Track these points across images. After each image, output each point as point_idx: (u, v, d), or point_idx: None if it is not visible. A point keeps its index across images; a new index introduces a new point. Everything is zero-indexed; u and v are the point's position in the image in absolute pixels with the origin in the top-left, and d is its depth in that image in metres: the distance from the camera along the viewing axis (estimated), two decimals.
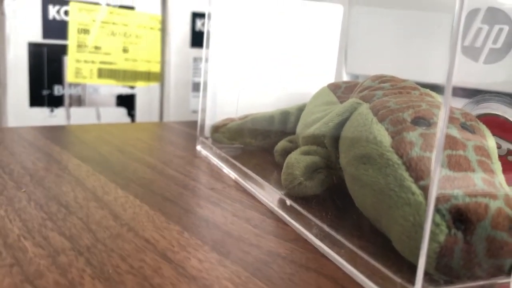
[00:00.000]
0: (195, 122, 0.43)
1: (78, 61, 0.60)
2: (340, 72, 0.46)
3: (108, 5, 0.60)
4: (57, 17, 0.58)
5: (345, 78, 0.48)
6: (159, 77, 0.65)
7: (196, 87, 0.67)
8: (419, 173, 0.21)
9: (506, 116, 0.26)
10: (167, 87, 0.65)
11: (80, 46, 0.59)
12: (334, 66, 0.44)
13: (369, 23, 0.45)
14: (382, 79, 0.29)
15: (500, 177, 0.22)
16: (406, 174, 0.21)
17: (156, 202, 0.28)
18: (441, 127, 0.18)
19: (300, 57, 0.42)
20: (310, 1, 0.41)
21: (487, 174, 0.21)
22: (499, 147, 0.26)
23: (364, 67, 0.48)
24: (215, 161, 0.37)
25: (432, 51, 0.42)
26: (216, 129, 0.39)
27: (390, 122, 0.23)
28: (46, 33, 0.57)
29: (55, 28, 0.58)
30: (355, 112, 0.26)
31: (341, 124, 0.27)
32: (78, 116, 0.60)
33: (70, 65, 0.59)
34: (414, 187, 0.21)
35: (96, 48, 0.61)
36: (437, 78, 0.42)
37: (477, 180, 0.20)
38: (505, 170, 0.23)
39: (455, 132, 0.22)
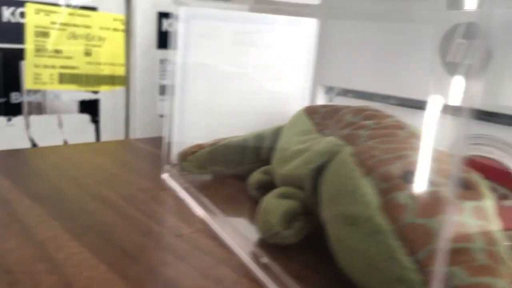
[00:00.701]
0: (162, 139, 0.40)
1: (36, 66, 0.56)
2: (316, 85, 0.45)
3: (68, 6, 0.56)
4: (12, 20, 0.54)
5: (320, 89, 0.47)
6: (124, 80, 0.62)
7: (163, 90, 0.64)
8: (412, 245, 0.19)
9: (500, 160, 0.25)
10: (133, 91, 0.63)
11: (38, 50, 0.56)
12: (309, 81, 0.42)
13: (345, 36, 0.44)
14: (365, 113, 0.28)
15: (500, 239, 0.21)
16: (397, 245, 0.19)
17: (115, 259, 0.25)
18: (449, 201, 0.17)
19: (274, 73, 0.40)
20: (284, 16, 0.40)
21: (488, 242, 0.20)
22: (495, 190, 0.26)
23: (338, 79, 0.47)
24: (183, 194, 0.35)
25: (409, 65, 0.41)
26: (183, 157, 0.37)
27: (378, 178, 0.22)
28: (0, 37, 0.53)
29: (10, 31, 0.54)
30: (337, 156, 0.25)
31: (322, 167, 0.25)
32: (39, 124, 0.57)
33: (28, 70, 0.56)
34: (406, 261, 0.19)
35: (56, 52, 0.57)
36: (412, 93, 0.41)
37: (478, 253, 0.19)
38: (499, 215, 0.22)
39: (447, 191, 0.21)
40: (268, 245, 0.26)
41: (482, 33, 0.39)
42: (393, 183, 0.21)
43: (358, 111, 0.29)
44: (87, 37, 0.59)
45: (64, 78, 0.58)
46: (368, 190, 0.21)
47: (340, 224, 0.22)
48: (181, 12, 0.39)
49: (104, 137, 0.62)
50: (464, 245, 0.19)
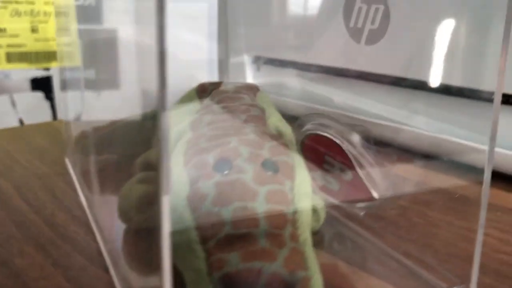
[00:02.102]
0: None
1: None
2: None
3: None
4: None
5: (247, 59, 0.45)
6: None
7: None
8: (206, 234, 0.19)
9: (333, 138, 0.23)
10: None
11: None
12: (216, 53, 0.41)
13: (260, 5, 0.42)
14: (220, 96, 0.26)
15: (303, 218, 0.20)
16: (194, 234, 0.19)
17: None
18: None
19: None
20: None
21: (276, 226, 0.19)
22: (332, 166, 0.24)
23: (262, 48, 0.45)
24: (75, 182, 0.34)
25: (323, 33, 0.39)
26: (77, 140, 0.36)
27: (193, 166, 0.21)
28: None
29: None
30: (178, 143, 0.24)
31: None
32: None
33: None
34: (199, 250, 0.19)
35: (0, 30, 0.57)
36: (325, 60, 0.39)
37: (260, 238, 0.18)
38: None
39: (249, 177, 0.20)
40: None
41: None
42: (202, 172, 0.20)
43: (218, 93, 0.27)
44: (32, 14, 0.58)
45: (12, 57, 0.58)
46: (182, 179, 0.21)
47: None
48: None
49: (61, 114, 0.62)
50: (247, 231, 0.18)
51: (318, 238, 0.26)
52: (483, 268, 0.24)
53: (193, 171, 0.21)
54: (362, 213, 0.27)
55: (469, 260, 0.22)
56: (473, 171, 0.22)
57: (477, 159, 0.21)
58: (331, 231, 0.27)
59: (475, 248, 0.21)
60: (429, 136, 0.32)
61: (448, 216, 0.29)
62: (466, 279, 0.22)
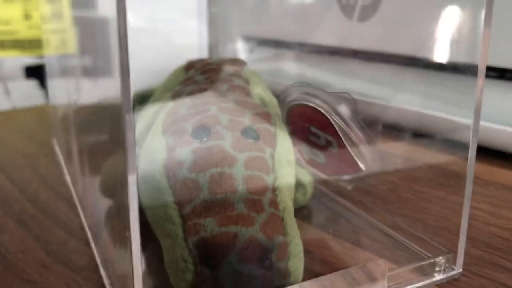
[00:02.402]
0: None
1: None
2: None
3: None
4: None
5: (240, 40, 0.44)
6: None
7: None
8: (182, 200, 0.18)
9: (319, 108, 0.23)
10: None
11: None
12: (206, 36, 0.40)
13: None
14: (204, 68, 0.26)
15: (283, 185, 0.19)
16: (170, 200, 0.18)
17: None
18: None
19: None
20: None
21: (255, 192, 0.18)
22: (318, 137, 0.24)
23: (255, 29, 0.44)
24: (61, 162, 0.34)
25: (315, 11, 0.38)
26: (61, 121, 0.36)
27: (171, 134, 0.20)
28: None
29: None
30: (159, 115, 0.23)
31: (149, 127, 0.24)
32: None
33: None
34: (175, 216, 0.18)
35: None
36: (319, 38, 0.39)
37: (238, 203, 0.18)
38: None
39: (228, 144, 0.19)
40: None
41: None
42: (180, 139, 0.20)
43: (202, 65, 0.27)
44: (25, 0, 0.58)
45: (4, 45, 0.57)
46: (159, 147, 0.20)
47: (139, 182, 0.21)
48: None
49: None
50: (224, 196, 0.18)
51: (306, 212, 0.26)
52: (473, 240, 0.24)
53: (171, 139, 0.20)
54: (349, 187, 0.26)
55: (458, 233, 0.21)
56: (463, 147, 0.21)
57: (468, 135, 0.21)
58: (318, 205, 0.27)
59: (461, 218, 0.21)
60: (418, 113, 0.31)
61: (440, 192, 0.28)
62: (454, 250, 0.21)
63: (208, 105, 0.21)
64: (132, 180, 0.14)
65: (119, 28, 0.13)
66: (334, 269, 0.21)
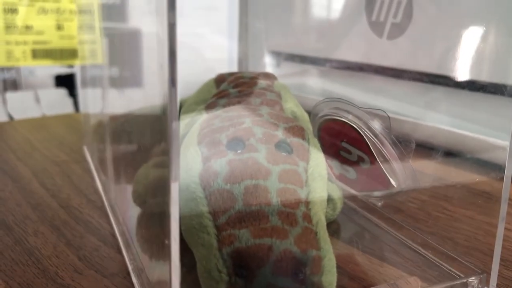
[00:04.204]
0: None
1: (8, 43, 0.57)
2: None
3: None
4: None
5: (267, 55, 0.45)
6: None
7: None
8: (217, 210, 0.18)
9: (351, 123, 0.23)
10: None
11: (8, 27, 0.57)
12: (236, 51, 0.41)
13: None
14: (237, 82, 0.26)
15: (316, 199, 0.19)
16: (205, 210, 0.19)
17: None
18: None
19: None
20: None
21: (289, 205, 0.18)
22: (349, 153, 0.24)
23: (283, 45, 0.45)
24: (92, 169, 0.34)
25: (344, 27, 0.38)
26: (95, 129, 0.37)
27: (206, 145, 0.21)
28: None
29: None
30: (193, 126, 0.23)
31: (183, 136, 0.24)
32: (15, 101, 0.58)
33: (0, 48, 0.57)
34: (210, 226, 0.18)
35: (27, 28, 0.58)
36: (347, 55, 0.39)
37: (272, 216, 0.18)
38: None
39: (262, 156, 0.19)
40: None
41: None
42: (215, 150, 0.20)
43: (235, 79, 0.27)
44: (58, 11, 0.59)
45: (37, 54, 0.59)
46: (194, 157, 0.20)
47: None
48: None
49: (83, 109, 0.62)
50: (259, 208, 0.18)
51: (334, 226, 0.26)
52: (505, 261, 0.23)
53: (206, 150, 0.20)
54: (379, 204, 0.26)
55: (490, 253, 0.21)
56: (497, 168, 0.21)
57: (500, 156, 0.21)
58: (348, 220, 0.27)
59: (496, 239, 0.21)
60: (449, 131, 0.31)
61: (469, 211, 0.28)
62: (487, 271, 0.21)
63: (242, 118, 0.22)
64: (174, 187, 0.15)
65: (170, 45, 0.13)
66: (363, 285, 0.21)
